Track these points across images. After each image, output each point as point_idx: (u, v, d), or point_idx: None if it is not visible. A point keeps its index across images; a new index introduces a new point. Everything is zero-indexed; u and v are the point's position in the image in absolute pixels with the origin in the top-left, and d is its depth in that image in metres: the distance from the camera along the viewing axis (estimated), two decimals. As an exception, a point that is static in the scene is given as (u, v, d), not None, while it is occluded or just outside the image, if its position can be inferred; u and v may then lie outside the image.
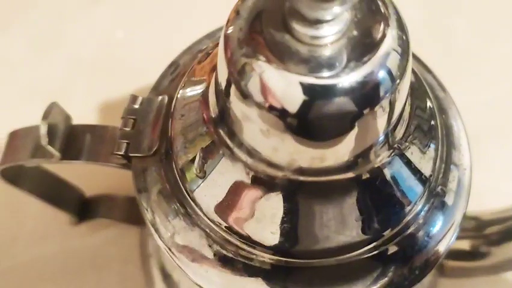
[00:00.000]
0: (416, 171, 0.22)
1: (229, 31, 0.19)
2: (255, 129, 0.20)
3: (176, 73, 0.26)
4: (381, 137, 0.20)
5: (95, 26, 0.42)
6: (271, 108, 0.18)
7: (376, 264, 0.22)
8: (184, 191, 0.23)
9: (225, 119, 0.21)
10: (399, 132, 0.21)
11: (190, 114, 0.23)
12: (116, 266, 0.35)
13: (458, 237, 0.24)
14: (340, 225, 0.21)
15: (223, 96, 0.20)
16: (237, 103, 0.19)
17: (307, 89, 0.18)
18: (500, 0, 0.42)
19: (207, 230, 0.22)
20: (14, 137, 0.26)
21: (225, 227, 0.22)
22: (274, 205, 0.21)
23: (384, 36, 0.19)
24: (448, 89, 0.26)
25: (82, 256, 0.35)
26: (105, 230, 0.36)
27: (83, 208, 0.35)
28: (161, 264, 0.33)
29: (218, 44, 0.20)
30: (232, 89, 0.19)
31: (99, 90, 0.39)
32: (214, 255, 0.22)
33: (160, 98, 0.25)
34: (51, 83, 0.40)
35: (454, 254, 0.29)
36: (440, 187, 0.23)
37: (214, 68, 0.21)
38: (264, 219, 0.21)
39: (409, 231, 0.22)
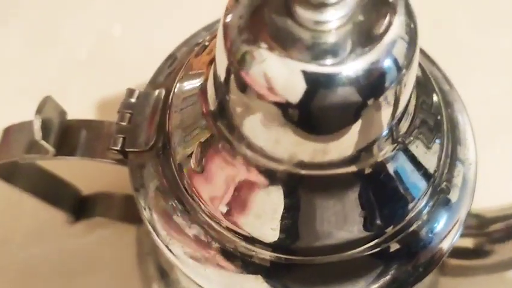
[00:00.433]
0: (420, 167, 0.22)
1: (228, 19, 0.19)
2: (255, 121, 0.19)
3: (173, 66, 0.26)
4: (386, 130, 0.20)
5: (92, 21, 0.42)
6: (272, 99, 0.18)
7: (378, 261, 0.22)
8: (182, 187, 0.23)
9: (224, 111, 0.20)
10: (404, 126, 0.21)
11: (188, 108, 0.22)
12: (113, 265, 0.35)
13: (461, 235, 0.23)
14: (341, 221, 0.21)
15: (222, 88, 0.20)
16: (236, 94, 0.19)
17: (309, 77, 0.17)
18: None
19: (206, 227, 0.22)
20: (8, 133, 0.26)
21: (224, 223, 0.22)
22: (274, 200, 0.21)
23: (391, 23, 0.18)
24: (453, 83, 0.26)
25: (78, 255, 0.35)
26: (101, 229, 0.36)
27: (79, 206, 0.34)
28: (158, 262, 0.33)
29: (215, 36, 0.20)
30: (232, 79, 0.19)
31: (95, 86, 0.39)
32: (213, 252, 0.22)
33: (157, 91, 0.25)
34: (47, 79, 0.39)
35: (456, 252, 0.28)
36: (444, 183, 0.23)
37: (212, 61, 0.21)
38: (264, 215, 0.21)
39: (412, 228, 0.22)
